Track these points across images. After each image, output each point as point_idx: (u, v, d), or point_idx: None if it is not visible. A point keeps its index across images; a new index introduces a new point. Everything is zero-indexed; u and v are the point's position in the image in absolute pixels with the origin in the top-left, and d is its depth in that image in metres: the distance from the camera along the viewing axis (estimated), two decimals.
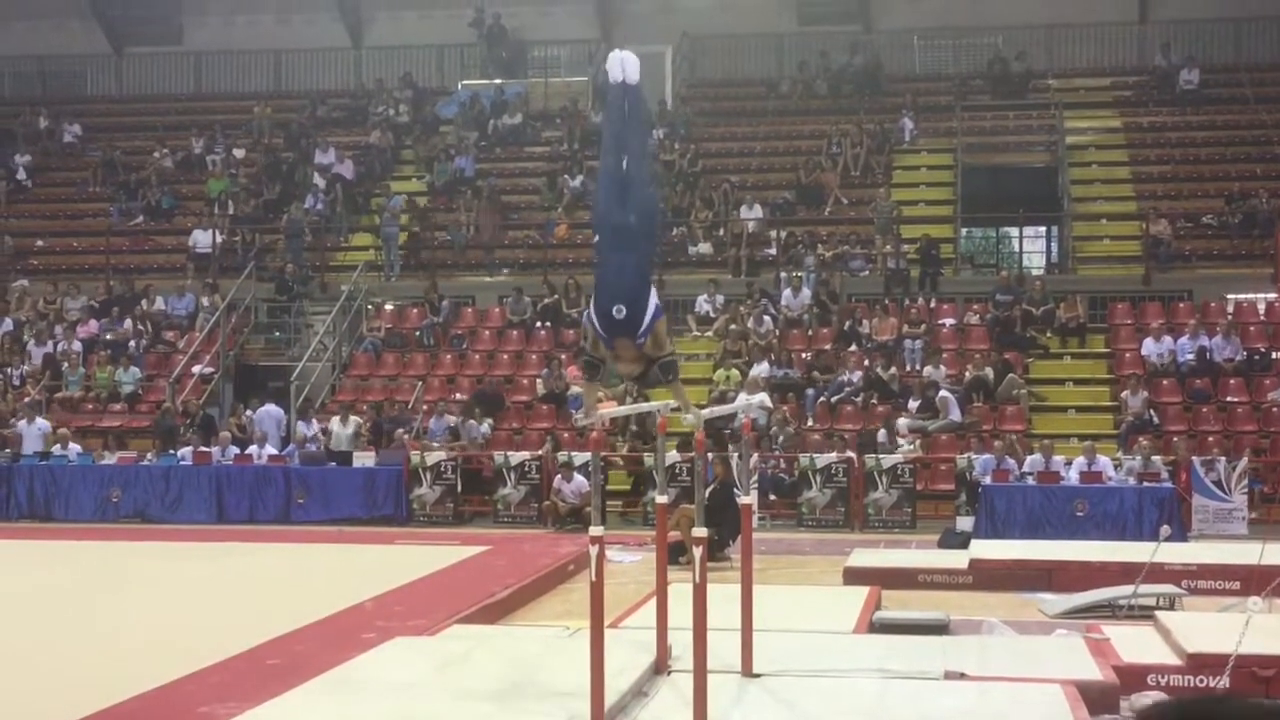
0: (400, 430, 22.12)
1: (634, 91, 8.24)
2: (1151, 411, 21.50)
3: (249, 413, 23.03)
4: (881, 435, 20.87)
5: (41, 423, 22.80)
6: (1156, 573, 13.05)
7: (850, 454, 20.13)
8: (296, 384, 24.16)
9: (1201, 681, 9.63)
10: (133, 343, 25.56)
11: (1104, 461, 19.40)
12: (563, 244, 27.77)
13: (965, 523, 18.95)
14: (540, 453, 20.92)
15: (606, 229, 8.17)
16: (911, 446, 20.77)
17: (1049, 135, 29.42)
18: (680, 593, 8.87)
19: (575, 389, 22.90)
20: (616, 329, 7.70)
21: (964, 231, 29.12)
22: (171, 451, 21.87)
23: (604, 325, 7.76)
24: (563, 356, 23.89)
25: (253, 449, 21.57)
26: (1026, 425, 21.75)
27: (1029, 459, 19.69)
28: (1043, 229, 30.30)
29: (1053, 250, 29.87)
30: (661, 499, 9.25)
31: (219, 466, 21.19)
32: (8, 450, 22.05)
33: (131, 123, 33.83)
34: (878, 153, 28.75)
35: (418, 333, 25.68)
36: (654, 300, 7.87)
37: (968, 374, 22.49)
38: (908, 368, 23.22)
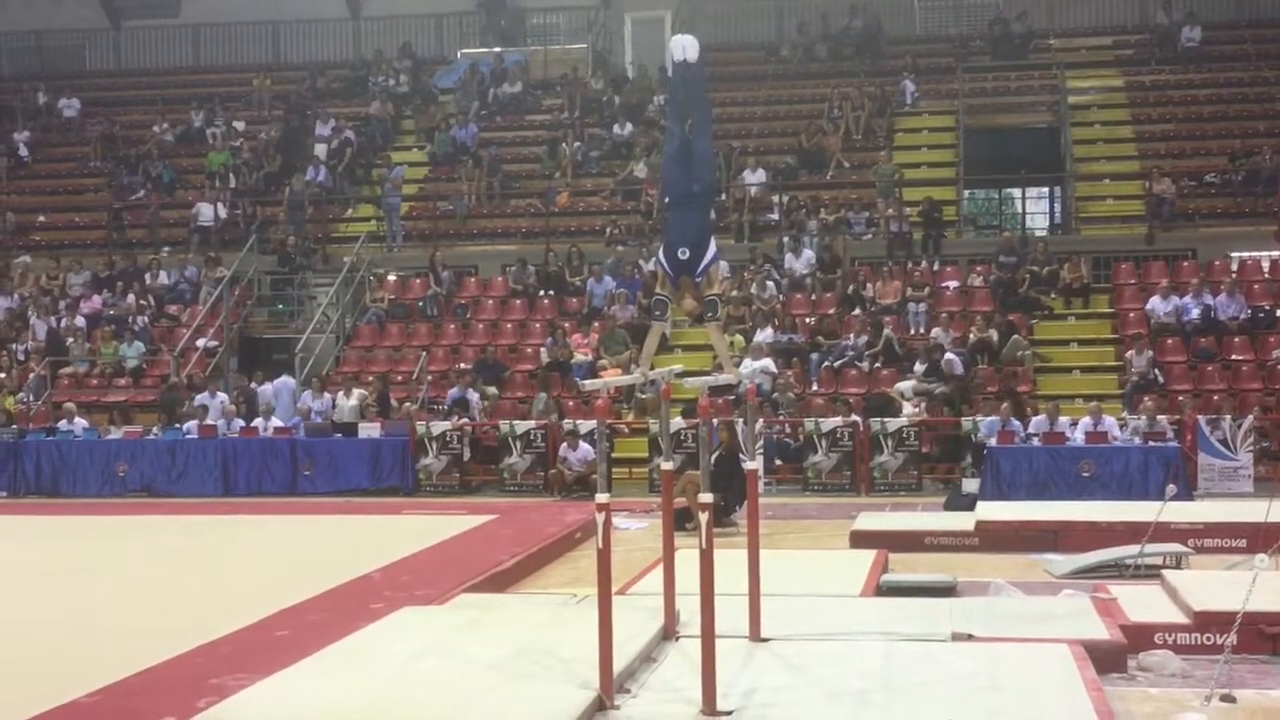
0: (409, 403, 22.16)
1: (694, 69, 9.49)
2: (1156, 371, 21.48)
3: (254, 386, 23.03)
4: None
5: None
6: (1163, 532, 13.05)
7: (855, 418, 20.12)
8: (301, 356, 24.17)
9: (1209, 639, 9.64)
10: (137, 318, 25.52)
11: (1109, 421, 19.38)
12: (565, 212, 27.74)
13: (971, 485, 18.95)
14: (545, 421, 20.92)
15: (675, 194, 9.30)
16: (917, 410, 20.76)
17: (1051, 95, 29.34)
18: (687, 558, 8.87)
19: (579, 357, 22.92)
20: (681, 268, 8.94)
21: (966, 193, 29.06)
22: (177, 425, 21.88)
23: (671, 265, 9.00)
24: (566, 325, 23.87)
25: (258, 421, 21.58)
26: (1031, 386, 21.74)
27: (1034, 420, 19.67)
28: (1045, 190, 30.25)
29: (1056, 211, 29.83)
30: (667, 465, 9.24)
31: (225, 439, 21.22)
32: (14, 426, 22.08)
33: (130, 96, 33.81)
34: (879, 116, 28.68)
35: (421, 303, 25.68)
36: (713, 248, 9.04)
37: (972, 336, 22.46)
38: (911, 331, 23.22)
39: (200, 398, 22.49)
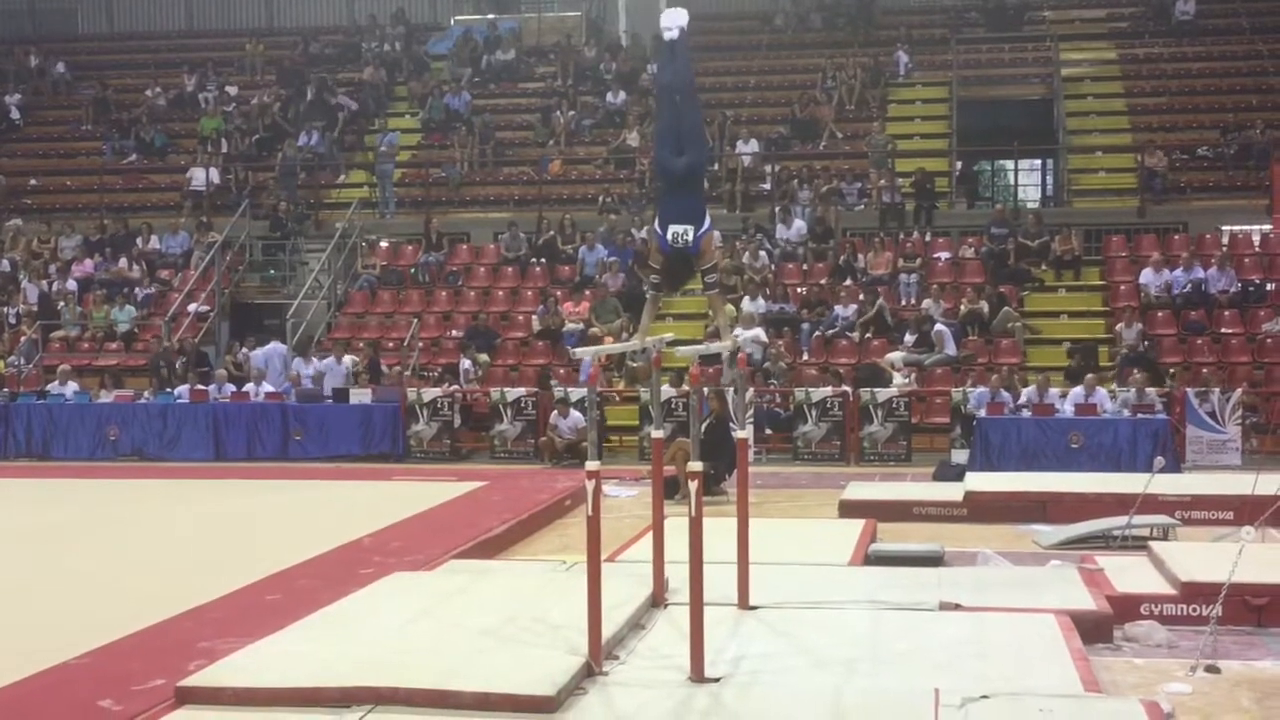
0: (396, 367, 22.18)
1: (679, 43, 9.26)
2: (1146, 343, 21.53)
3: (244, 350, 23.04)
4: None
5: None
6: (1150, 503, 13.11)
7: (845, 388, 20.15)
8: (292, 322, 24.14)
9: (1194, 610, 9.70)
10: (138, 288, 25.47)
11: (1101, 393, 19.42)
12: (557, 180, 27.71)
13: (960, 455, 19.01)
14: (536, 388, 20.94)
15: (664, 171, 9.33)
16: (907, 380, 20.80)
17: (1044, 68, 29.33)
18: (677, 527, 8.91)
19: (571, 325, 22.94)
20: (676, 245, 8.85)
21: (975, 165, 29.05)
22: (168, 390, 21.87)
23: (663, 244, 8.92)
24: (558, 293, 23.88)
25: (249, 387, 21.58)
26: (1021, 358, 21.78)
27: (1024, 391, 19.72)
28: (1038, 162, 30.26)
29: (1048, 183, 29.83)
30: (657, 434, 9.26)
31: (216, 404, 21.21)
32: (5, 390, 22.07)
33: (123, 60, 33.72)
34: (872, 86, 28.66)
35: (413, 269, 25.66)
36: (706, 220, 8.96)
37: (963, 308, 22.50)
38: (903, 301, 23.25)
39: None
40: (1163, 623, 9.58)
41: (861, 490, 15.46)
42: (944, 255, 24.46)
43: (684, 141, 9.07)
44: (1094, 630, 9.11)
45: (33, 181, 29.99)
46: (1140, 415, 18.91)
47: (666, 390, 19.05)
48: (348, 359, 22.19)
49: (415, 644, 8.30)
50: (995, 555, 11.89)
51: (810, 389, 20.26)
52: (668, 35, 9.27)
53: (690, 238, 8.81)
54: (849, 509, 14.34)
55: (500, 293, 25.00)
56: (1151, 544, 11.74)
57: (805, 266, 24.47)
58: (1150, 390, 19.45)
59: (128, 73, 32.91)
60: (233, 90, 31.05)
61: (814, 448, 19.98)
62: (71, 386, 22.04)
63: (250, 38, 32.96)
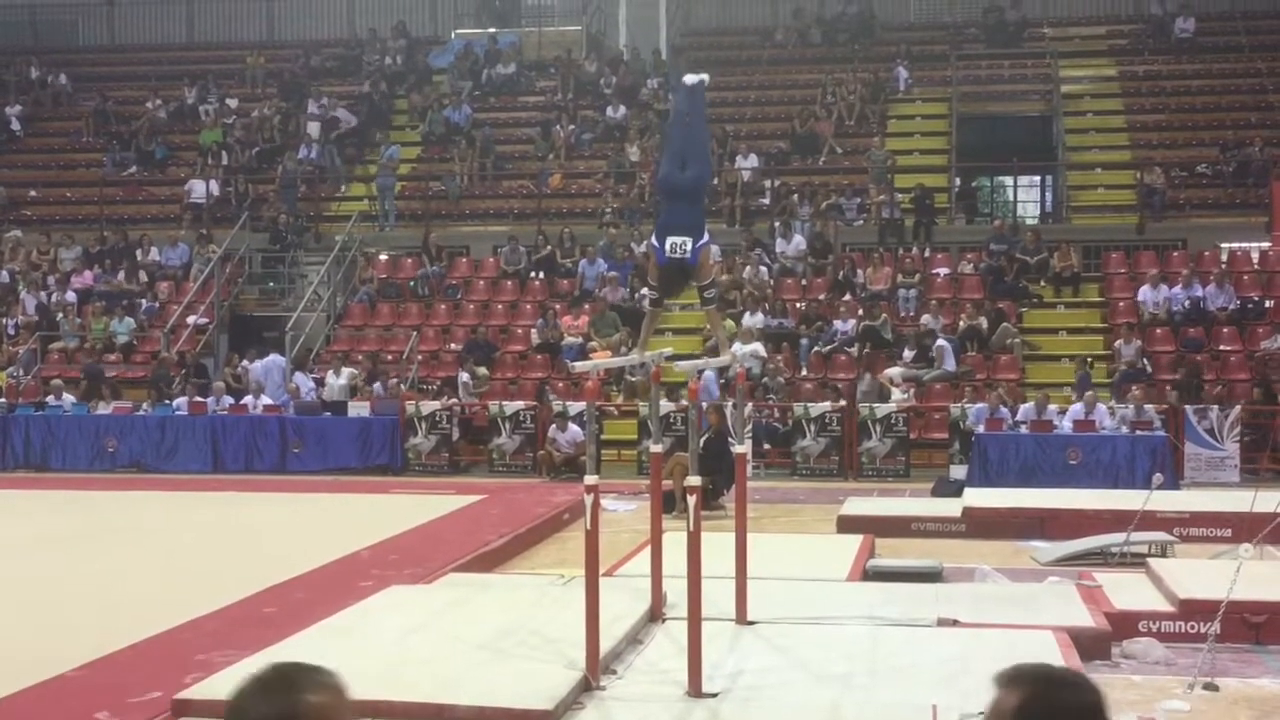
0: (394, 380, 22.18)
1: (698, 88, 9.75)
2: (1145, 360, 21.53)
3: (244, 363, 23.04)
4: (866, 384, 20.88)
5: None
6: (1149, 520, 13.11)
7: (844, 403, 20.15)
8: (291, 334, 24.14)
9: (1193, 628, 9.69)
10: (141, 301, 25.46)
11: (1102, 410, 19.41)
12: (557, 194, 27.72)
13: (959, 471, 19.00)
14: (535, 402, 20.93)
15: (667, 184, 9.62)
16: (905, 395, 20.80)
17: (1044, 84, 29.37)
18: (675, 541, 8.91)
19: (570, 339, 22.93)
20: (674, 255, 8.94)
21: (974, 181, 29.13)
22: (167, 401, 21.87)
23: (660, 256, 9.02)
24: (557, 306, 23.88)
25: (248, 399, 21.58)
26: (1020, 374, 21.78)
27: (1022, 408, 19.71)
28: (1037, 178, 30.29)
29: (1047, 199, 29.85)
30: (656, 448, 9.26)
31: (215, 416, 21.20)
32: (3, 401, 22.06)
33: (124, 72, 33.71)
34: (872, 102, 28.68)
35: (412, 283, 25.66)
36: (704, 235, 9.11)
37: (962, 323, 22.50)
38: (901, 315, 23.26)
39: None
40: (1161, 640, 9.58)
41: (860, 505, 15.47)
42: (943, 271, 24.47)
43: (689, 156, 9.23)
44: (1092, 647, 9.10)
45: (33, 193, 30.01)
46: (1139, 432, 18.91)
47: (665, 405, 19.06)
48: (346, 371, 22.19)
49: (412, 657, 8.29)
50: (993, 571, 11.88)
51: (809, 404, 20.26)
52: (689, 82, 9.78)
53: (688, 249, 8.85)
54: (847, 524, 14.35)
55: (499, 306, 25.00)
56: (1150, 561, 11.74)
57: (804, 281, 24.48)
58: (1149, 407, 19.45)
59: (128, 84, 32.92)
60: (233, 103, 31.06)
61: (812, 463, 19.98)
62: (69, 398, 22.02)
63: (251, 50, 32.97)
